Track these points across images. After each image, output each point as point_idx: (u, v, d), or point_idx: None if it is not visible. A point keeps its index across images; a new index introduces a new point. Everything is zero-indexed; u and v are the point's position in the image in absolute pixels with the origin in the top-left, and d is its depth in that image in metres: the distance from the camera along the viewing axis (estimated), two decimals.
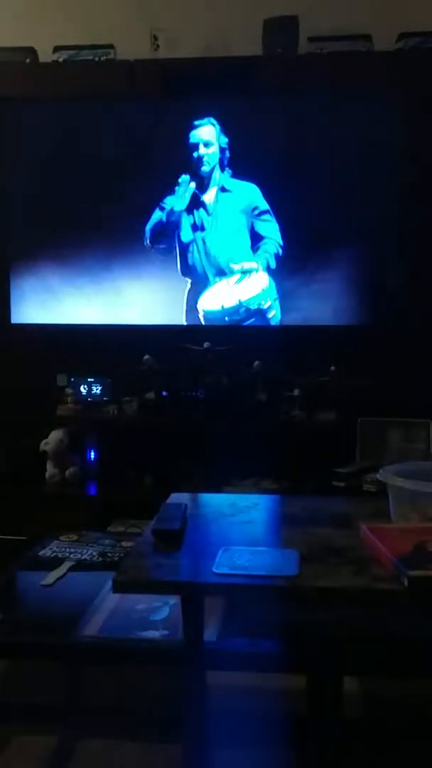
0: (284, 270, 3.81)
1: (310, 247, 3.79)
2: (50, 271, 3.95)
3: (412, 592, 1.56)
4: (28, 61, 3.94)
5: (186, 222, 3.86)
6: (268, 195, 3.79)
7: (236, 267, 3.83)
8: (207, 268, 3.86)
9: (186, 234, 3.87)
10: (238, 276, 3.83)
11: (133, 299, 3.91)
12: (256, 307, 3.83)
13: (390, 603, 1.76)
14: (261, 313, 3.83)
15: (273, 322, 3.84)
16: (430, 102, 3.65)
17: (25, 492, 3.88)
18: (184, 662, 2.07)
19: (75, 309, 3.95)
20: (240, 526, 2.01)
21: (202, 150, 3.80)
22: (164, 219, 3.85)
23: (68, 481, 3.94)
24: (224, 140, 3.79)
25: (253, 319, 3.84)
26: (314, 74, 3.71)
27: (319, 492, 3.44)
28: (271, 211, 3.79)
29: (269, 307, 3.82)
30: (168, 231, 3.86)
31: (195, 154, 3.81)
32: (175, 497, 2.21)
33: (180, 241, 3.87)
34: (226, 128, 3.78)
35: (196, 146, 3.81)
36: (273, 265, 3.81)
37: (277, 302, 3.82)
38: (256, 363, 3.78)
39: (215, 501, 2.26)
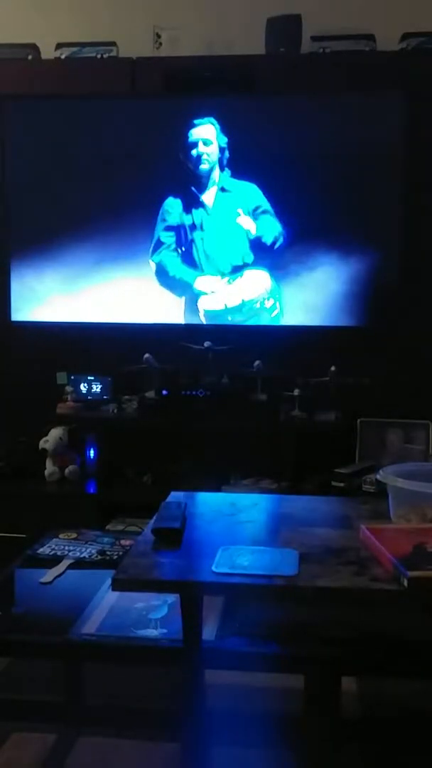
0: (285, 270, 3.81)
1: (311, 247, 3.78)
2: (50, 269, 3.94)
3: (411, 593, 1.56)
4: (30, 57, 3.94)
5: (186, 222, 3.86)
6: (268, 195, 3.79)
7: (238, 265, 3.83)
8: (207, 267, 3.85)
9: (186, 234, 3.86)
10: (238, 275, 3.83)
11: (133, 298, 3.91)
12: (257, 306, 3.83)
13: (389, 603, 1.77)
14: (262, 312, 3.83)
15: (274, 322, 3.83)
16: None
17: (24, 490, 3.88)
18: (182, 661, 2.07)
19: (75, 307, 3.95)
20: (239, 525, 2.01)
21: (201, 148, 3.80)
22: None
23: (68, 479, 3.94)
24: (224, 140, 3.79)
25: (254, 319, 3.84)
26: (317, 73, 3.72)
27: (319, 492, 3.44)
28: (270, 212, 3.79)
29: (271, 307, 3.82)
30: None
31: (194, 153, 3.80)
32: (175, 496, 2.22)
33: (180, 241, 3.87)
34: (227, 127, 3.78)
35: (195, 144, 3.80)
36: (272, 264, 3.80)
37: (278, 302, 3.82)
38: (257, 363, 3.78)
39: (215, 500, 2.27)
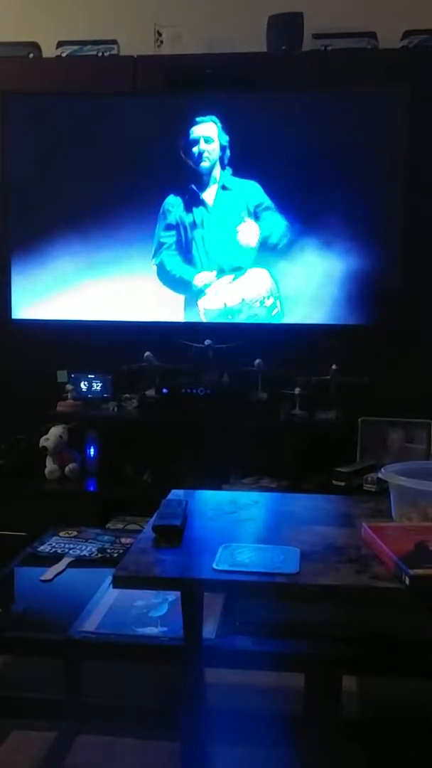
0: (286, 268, 3.81)
1: (311, 246, 3.78)
2: (51, 267, 3.94)
3: (412, 591, 1.56)
4: (31, 55, 3.94)
5: (186, 220, 3.85)
6: (269, 193, 3.79)
7: (238, 263, 3.83)
8: (207, 266, 3.85)
9: (187, 232, 3.86)
10: (239, 274, 3.83)
11: (133, 296, 3.91)
12: (257, 305, 3.83)
13: (390, 602, 1.76)
14: (263, 311, 3.83)
15: (275, 321, 3.83)
16: None
17: (24, 488, 3.88)
18: (182, 659, 2.07)
19: (76, 305, 3.95)
20: (240, 523, 2.01)
21: (202, 146, 3.80)
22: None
23: (68, 477, 3.94)
24: (225, 138, 3.78)
25: (254, 317, 3.84)
26: (318, 71, 3.71)
27: (319, 491, 3.43)
28: (271, 210, 3.78)
29: (271, 305, 3.82)
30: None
31: (195, 150, 3.80)
32: (175, 494, 2.22)
33: (180, 239, 3.87)
34: (228, 125, 3.77)
35: (196, 142, 3.80)
36: (273, 262, 3.80)
37: (278, 300, 3.82)
38: (257, 361, 3.78)
39: (215, 498, 2.27)
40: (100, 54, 3.90)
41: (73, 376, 3.99)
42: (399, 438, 3.70)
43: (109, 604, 2.38)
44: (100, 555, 2.80)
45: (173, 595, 2.31)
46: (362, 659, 2.20)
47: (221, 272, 3.85)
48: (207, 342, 3.81)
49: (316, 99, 3.76)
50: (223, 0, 3.91)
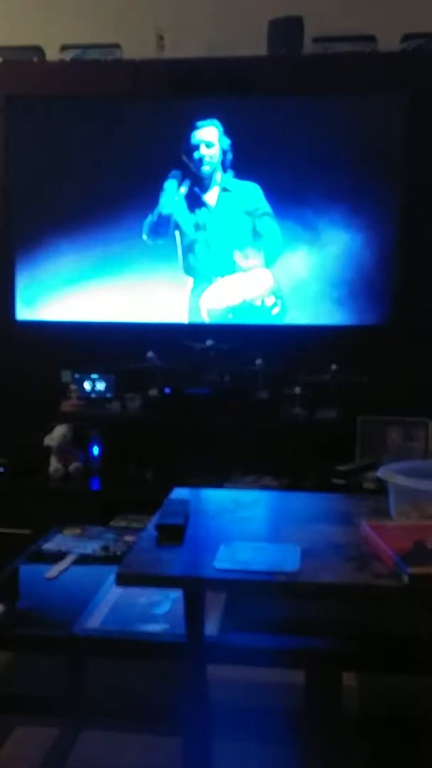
0: (286, 269, 3.83)
1: (312, 246, 3.80)
2: (55, 268, 3.96)
3: (411, 589, 1.57)
4: (35, 59, 3.95)
5: (188, 221, 3.87)
6: (270, 195, 3.80)
7: (240, 264, 3.85)
8: (210, 267, 3.87)
9: (188, 233, 3.88)
10: (241, 274, 3.85)
11: (136, 297, 3.93)
12: (259, 304, 3.85)
13: (389, 599, 1.78)
14: (264, 310, 3.85)
15: (276, 320, 3.85)
16: None
17: (29, 487, 3.90)
18: (185, 656, 2.08)
19: (79, 306, 3.97)
20: (241, 521, 2.03)
21: (203, 150, 3.81)
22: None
23: (71, 476, 3.96)
24: (226, 142, 3.80)
25: (256, 317, 3.86)
26: (318, 75, 3.73)
27: (319, 489, 3.45)
28: (272, 212, 3.81)
29: (272, 305, 3.84)
30: (161, 229, 3.87)
31: (196, 155, 3.82)
32: (178, 493, 2.23)
33: (182, 240, 3.89)
34: (229, 129, 3.79)
35: (197, 147, 3.82)
36: (274, 263, 3.82)
37: (280, 300, 3.84)
38: (258, 361, 3.80)
39: (217, 497, 2.28)
40: (102, 58, 3.91)
41: (76, 376, 4.00)
42: (398, 437, 3.72)
43: (112, 602, 2.39)
44: (103, 553, 2.81)
45: (176, 593, 2.32)
46: (362, 656, 2.20)
47: (223, 272, 3.87)
48: (209, 342, 3.83)
49: (317, 102, 3.77)
50: (225, 4, 3.92)
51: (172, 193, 3.84)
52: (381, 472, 1.98)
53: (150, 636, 2.22)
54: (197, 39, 3.87)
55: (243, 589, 1.95)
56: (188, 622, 2.01)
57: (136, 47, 3.88)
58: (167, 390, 3.88)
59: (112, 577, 1.86)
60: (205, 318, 3.90)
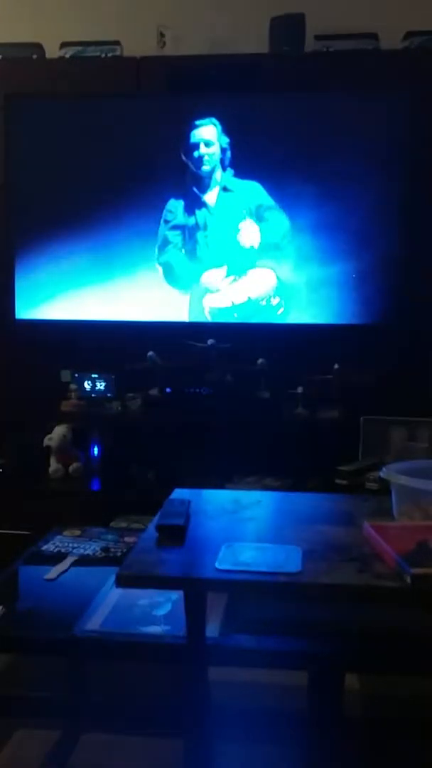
0: (288, 268, 3.81)
1: (315, 246, 3.79)
2: (55, 267, 3.95)
3: (414, 590, 1.56)
4: (34, 56, 3.94)
5: (189, 221, 3.86)
6: (272, 194, 3.79)
7: (241, 263, 3.84)
8: (211, 266, 3.86)
9: (189, 233, 3.87)
10: (244, 273, 3.84)
11: (137, 296, 3.92)
12: (263, 304, 3.83)
13: (392, 600, 1.77)
14: (268, 310, 3.83)
15: (280, 320, 3.83)
16: None
17: (28, 487, 3.89)
18: (185, 658, 2.08)
19: (79, 305, 3.95)
20: (243, 522, 2.02)
21: (203, 149, 3.80)
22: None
23: (71, 476, 3.95)
24: (225, 140, 3.78)
25: (259, 317, 3.84)
26: (320, 72, 3.72)
27: (322, 490, 3.44)
28: (276, 206, 3.79)
29: (277, 305, 3.83)
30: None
31: (196, 154, 3.81)
32: (179, 493, 2.22)
33: (183, 240, 3.87)
34: (230, 126, 3.77)
35: (197, 146, 3.81)
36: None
37: (283, 300, 3.82)
38: (260, 360, 3.79)
39: (218, 497, 2.27)
40: (103, 55, 3.90)
41: (76, 375, 3.99)
42: (401, 437, 3.70)
43: (112, 603, 2.38)
44: (103, 554, 2.81)
45: (176, 594, 2.31)
46: (364, 657, 2.20)
47: (226, 272, 3.85)
48: (210, 341, 3.81)
49: (318, 100, 3.76)
50: (226, 1, 3.92)
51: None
52: (384, 473, 1.97)
53: (151, 638, 2.22)
54: (198, 36, 3.86)
55: (244, 590, 1.95)
56: (189, 623, 2.01)
57: (137, 44, 3.88)
58: (168, 390, 3.86)
59: (112, 579, 1.85)
60: (209, 317, 3.89)
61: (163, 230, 3.88)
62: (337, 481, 3.54)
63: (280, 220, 3.80)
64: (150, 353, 3.82)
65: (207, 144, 3.79)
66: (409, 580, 1.56)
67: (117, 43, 3.90)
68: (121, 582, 1.71)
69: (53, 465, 3.95)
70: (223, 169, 3.80)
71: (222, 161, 3.80)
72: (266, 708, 2.53)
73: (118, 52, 3.90)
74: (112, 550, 2.84)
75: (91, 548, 2.85)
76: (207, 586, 1.81)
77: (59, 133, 3.91)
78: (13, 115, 3.93)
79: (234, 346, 3.80)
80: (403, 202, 3.71)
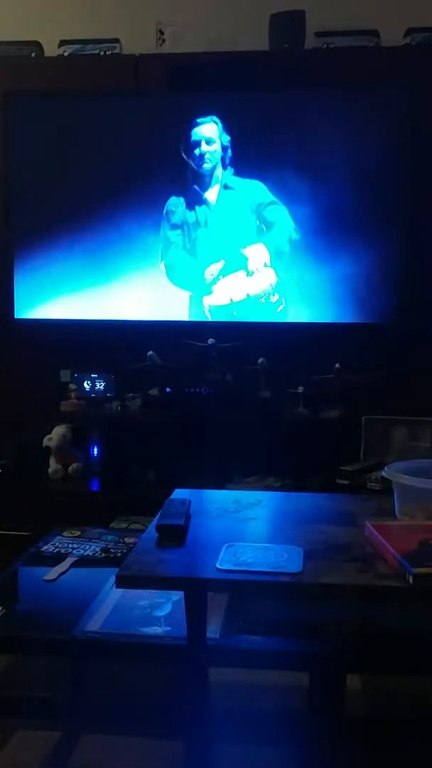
0: (289, 267, 3.80)
1: (315, 245, 3.77)
2: (54, 266, 3.94)
3: (416, 590, 1.56)
4: (33, 55, 3.93)
5: (189, 219, 3.85)
6: (272, 192, 3.78)
7: (242, 262, 3.82)
8: (211, 264, 3.85)
9: (190, 231, 3.86)
10: (243, 272, 3.83)
11: (137, 295, 3.90)
12: (262, 302, 3.82)
13: (394, 600, 1.76)
14: (268, 308, 3.82)
15: (280, 318, 3.82)
16: None
17: (28, 487, 3.88)
18: (186, 659, 2.07)
19: (79, 305, 3.94)
20: (244, 522, 2.01)
21: (204, 147, 3.79)
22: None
23: (71, 477, 3.94)
24: (226, 138, 3.77)
25: (259, 315, 3.83)
26: (320, 69, 3.71)
27: (323, 490, 3.43)
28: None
29: (276, 302, 3.81)
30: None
31: (197, 152, 3.80)
32: (179, 493, 2.21)
33: (184, 238, 3.86)
34: (230, 124, 3.76)
35: (198, 143, 3.80)
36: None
37: (283, 297, 3.81)
38: (261, 360, 3.77)
39: (219, 497, 2.26)
40: (102, 53, 3.89)
41: (76, 375, 3.98)
42: (403, 436, 3.70)
43: (112, 604, 2.38)
44: (103, 554, 2.80)
45: (177, 595, 2.31)
46: (366, 658, 2.20)
47: (226, 270, 3.84)
48: (210, 341, 3.80)
49: (318, 97, 3.75)
50: None
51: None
52: (385, 472, 1.97)
53: (151, 638, 2.21)
54: (197, 33, 3.85)
55: (245, 591, 1.94)
56: (190, 624, 2.00)
57: (136, 42, 3.87)
58: (168, 389, 3.85)
59: (112, 579, 1.85)
60: (209, 315, 3.87)
61: (165, 229, 3.87)
62: (339, 480, 3.53)
63: (279, 219, 3.78)
64: (150, 353, 3.81)
65: (208, 142, 3.78)
66: (411, 580, 1.56)
67: (116, 40, 3.89)
68: (121, 583, 1.71)
69: (53, 465, 3.94)
70: (224, 167, 3.79)
71: (222, 159, 3.78)
72: (267, 709, 2.53)
73: (117, 50, 3.89)
74: (112, 550, 2.83)
75: (91, 549, 2.85)
76: (208, 586, 1.80)
77: (58, 131, 3.90)
78: (12, 114, 3.92)
79: (234, 345, 3.79)
80: (404, 200, 3.69)
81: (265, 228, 3.80)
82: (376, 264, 3.74)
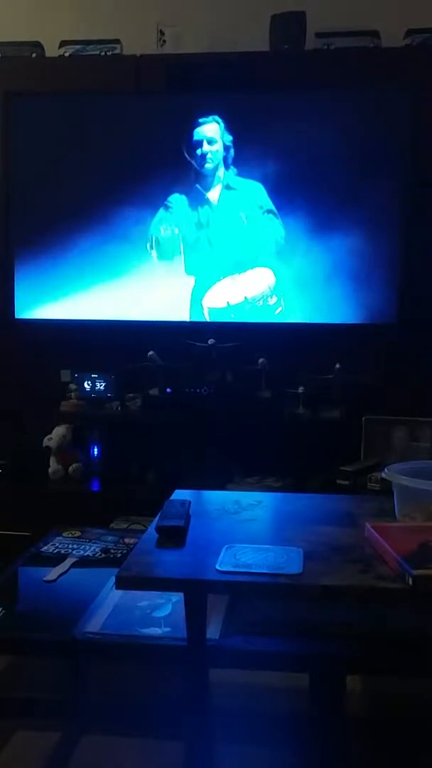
0: (289, 267, 3.80)
1: (315, 245, 3.77)
2: (54, 267, 3.93)
3: (416, 591, 1.56)
4: (34, 55, 3.93)
5: (190, 219, 3.85)
6: (273, 192, 3.78)
7: (242, 262, 3.82)
8: (212, 265, 3.85)
9: (190, 232, 3.85)
10: (243, 273, 3.82)
11: (137, 295, 3.90)
12: (260, 303, 3.82)
13: (394, 602, 1.76)
14: (266, 309, 3.82)
15: (279, 319, 3.82)
16: None
17: (28, 488, 3.88)
18: (186, 660, 2.07)
19: (79, 305, 3.94)
20: (244, 523, 2.01)
21: (206, 147, 3.79)
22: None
23: (71, 477, 3.94)
24: (228, 138, 3.77)
25: (258, 316, 3.83)
26: (321, 70, 3.70)
27: (324, 490, 3.43)
28: (275, 210, 3.78)
29: (275, 304, 3.81)
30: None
31: (199, 152, 3.80)
32: (179, 494, 2.21)
33: (184, 238, 3.86)
34: (231, 125, 3.76)
35: (200, 143, 3.80)
36: (276, 261, 3.79)
37: (282, 299, 3.81)
38: (261, 360, 3.77)
39: (219, 498, 2.26)
40: (103, 53, 3.89)
41: (76, 375, 3.98)
42: (403, 437, 3.69)
43: (112, 605, 2.38)
44: (103, 555, 2.80)
45: (177, 596, 2.31)
46: (366, 659, 2.19)
47: (226, 270, 3.84)
48: (210, 341, 3.80)
49: (319, 98, 3.75)
50: None
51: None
52: (386, 473, 1.96)
53: (151, 639, 2.21)
54: (198, 34, 3.85)
55: (245, 592, 1.94)
56: (190, 625, 2.00)
57: (137, 42, 3.87)
58: (168, 390, 3.85)
59: (112, 580, 1.84)
60: (208, 316, 3.87)
61: (165, 229, 3.86)
62: (339, 481, 3.53)
63: (281, 218, 3.78)
64: (150, 353, 3.81)
65: (210, 142, 3.77)
66: (411, 581, 1.56)
67: (117, 41, 3.88)
68: (121, 584, 1.70)
69: (53, 465, 3.94)
70: (226, 167, 3.79)
71: (225, 159, 3.78)
72: (267, 710, 2.52)
73: (117, 51, 3.89)
74: (112, 551, 2.83)
75: (91, 549, 2.85)
76: (208, 587, 1.80)
77: (59, 132, 3.90)
78: (13, 114, 3.91)
79: (235, 345, 3.79)
80: (405, 200, 3.69)
81: (265, 228, 3.80)
82: (377, 263, 3.74)
